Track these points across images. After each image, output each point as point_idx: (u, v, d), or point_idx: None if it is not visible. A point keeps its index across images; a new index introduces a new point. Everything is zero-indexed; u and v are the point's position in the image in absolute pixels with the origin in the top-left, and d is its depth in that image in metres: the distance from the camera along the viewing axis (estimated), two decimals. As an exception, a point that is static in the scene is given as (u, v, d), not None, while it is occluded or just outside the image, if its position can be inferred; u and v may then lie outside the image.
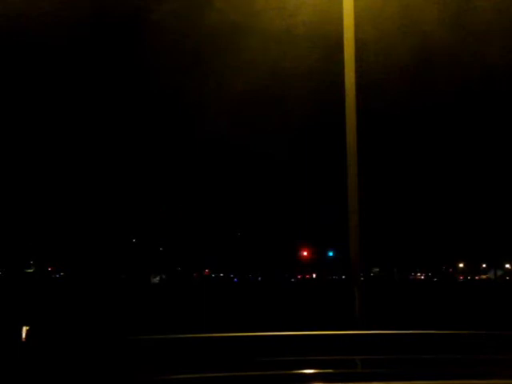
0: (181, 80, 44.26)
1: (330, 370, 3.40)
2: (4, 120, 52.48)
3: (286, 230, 75.42)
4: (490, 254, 79.55)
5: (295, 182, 67.91)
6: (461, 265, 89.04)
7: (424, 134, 59.72)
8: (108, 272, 68.03)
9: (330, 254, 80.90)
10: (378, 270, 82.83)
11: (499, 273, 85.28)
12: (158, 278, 77.50)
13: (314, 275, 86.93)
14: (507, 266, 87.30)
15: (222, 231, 77.04)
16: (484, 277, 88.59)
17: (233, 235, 77.70)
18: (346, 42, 10.80)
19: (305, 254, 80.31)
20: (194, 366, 3.42)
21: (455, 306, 27.85)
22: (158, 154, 65.00)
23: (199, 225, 75.67)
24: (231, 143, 59.36)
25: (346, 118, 11.01)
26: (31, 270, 72.93)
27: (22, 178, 61.98)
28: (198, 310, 25.99)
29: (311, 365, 3.35)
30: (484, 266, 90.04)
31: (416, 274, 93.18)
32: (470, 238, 71.40)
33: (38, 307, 24.86)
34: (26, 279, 60.35)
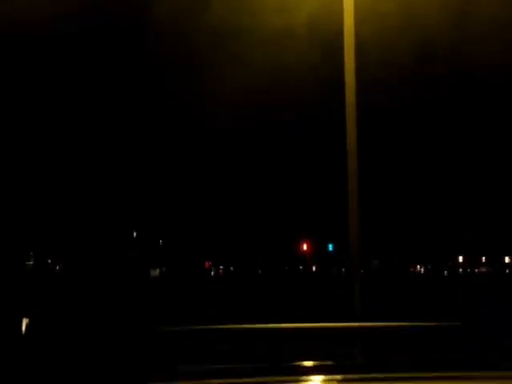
0: (180, 78, 44.31)
1: (330, 362, 3.44)
2: (3, 117, 52.53)
3: (286, 223, 75.50)
4: (489, 248, 79.65)
5: (295, 176, 67.99)
6: (460, 258, 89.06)
7: (424, 129, 59.74)
8: (109, 265, 68.09)
9: (330, 247, 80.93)
10: (377, 262, 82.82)
11: (498, 266, 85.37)
12: (157, 271, 77.54)
13: (314, 268, 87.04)
14: (507, 259, 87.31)
15: (221, 224, 77.07)
16: (483, 270, 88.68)
17: (232, 228, 77.67)
18: (346, 41, 10.81)
19: (304, 247, 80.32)
20: (194, 357, 3.46)
21: (453, 299, 27.89)
22: (159, 147, 65.08)
23: (199, 217, 75.75)
24: (230, 139, 59.47)
25: (346, 112, 11.03)
26: (31, 262, 72.93)
27: (21, 171, 62.01)
28: (197, 302, 26.03)
29: (310, 356, 3.38)
30: (483, 259, 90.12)
31: (415, 267, 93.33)
32: (470, 231, 71.42)
33: (37, 299, 24.89)
34: (27, 271, 60.43)
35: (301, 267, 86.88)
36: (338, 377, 3.30)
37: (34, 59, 42.53)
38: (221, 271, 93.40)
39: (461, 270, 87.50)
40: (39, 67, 45.55)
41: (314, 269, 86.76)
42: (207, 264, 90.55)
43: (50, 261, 76.63)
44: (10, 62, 40.40)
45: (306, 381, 3.27)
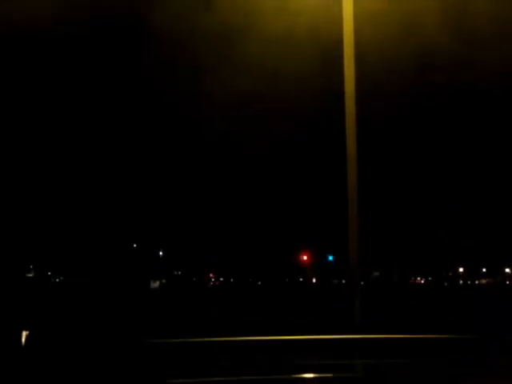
0: (179, 82, 44.29)
1: (330, 375, 3.38)
2: (3, 128, 52.50)
3: (286, 234, 75.40)
4: (489, 258, 79.61)
5: (296, 185, 67.97)
6: (460, 269, 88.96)
7: (424, 137, 59.78)
8: (108, 277, 67.94)
9: (330, 258, 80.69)
10: (377, 273, 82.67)
11: (498, 277, 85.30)
12: (157, 283, 77.36)
13: (314, 279, 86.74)
14: (507, 270, 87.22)
15: (221, 235, 76.98)
16: (484, 281, 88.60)
17: (232, 239, 77.57)
18: (345, 50, 10.79)
19: (304, 258, 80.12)
20: (193, 369, 3.40)
21: (451, 311, 27.79)
22: (158, 157, 65.11)
23: (198, 229, 75.67)
24: (230, 147, 59.42)
25: (346, 121, 11.01)
26: (31, 275, 72.81)
27: (22, 181, 61.97)
28: (196, 313, 25.95)
29: (311, 368, 3.33)
30: (484, 270, 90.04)
31: (416, 278, 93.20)
32: (470, 243, 71.38)
33: (37, 312, 24.80)
34: (27, 284, 60.28)
35: (301, 279, 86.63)
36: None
37: (34, 59, 42.60)
38: (217, 282, 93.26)
39: (461, 281, 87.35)
40: (39, 67, 45.61)
41: (314, 280, 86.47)
42: (210, 276, 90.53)
43: (49, 273, 76.56)
44: (10, 62, 40.46)
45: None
